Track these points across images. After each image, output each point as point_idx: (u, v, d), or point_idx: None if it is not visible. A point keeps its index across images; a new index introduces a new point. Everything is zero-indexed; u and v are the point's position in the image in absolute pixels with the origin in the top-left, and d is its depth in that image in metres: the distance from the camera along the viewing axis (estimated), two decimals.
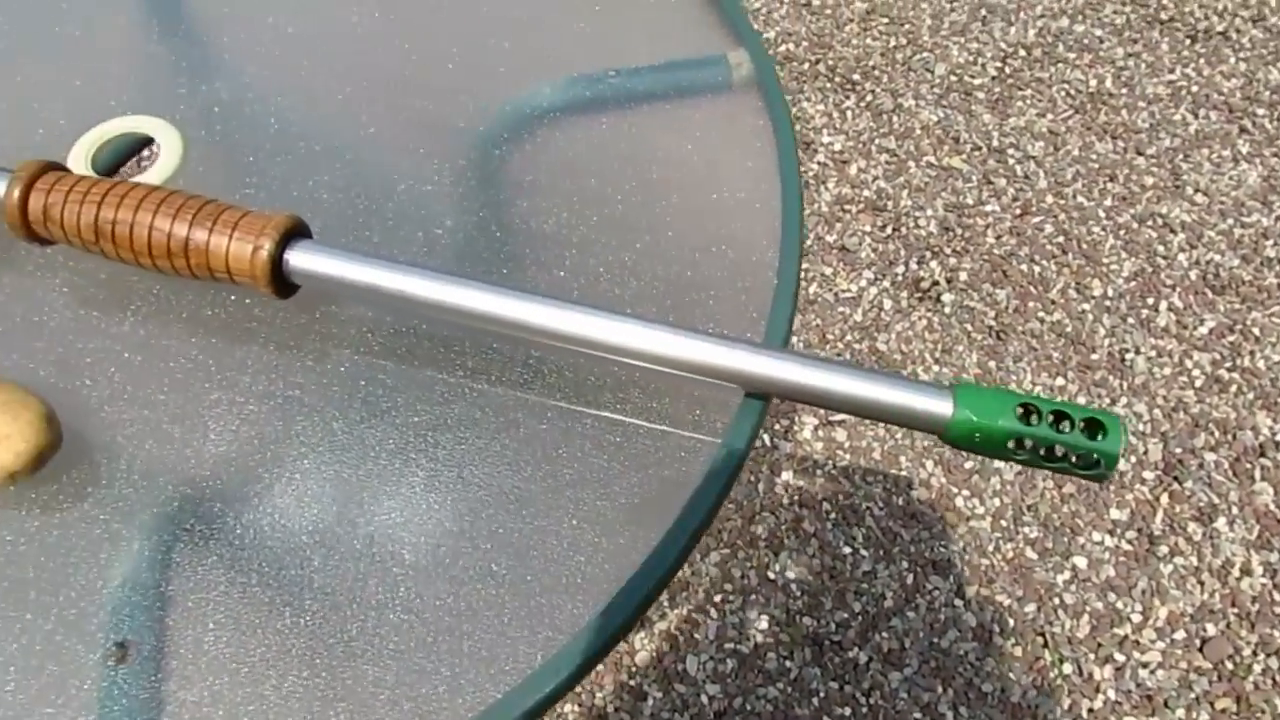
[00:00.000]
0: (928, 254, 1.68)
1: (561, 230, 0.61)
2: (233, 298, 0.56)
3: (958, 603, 1.33)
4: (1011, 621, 1.32)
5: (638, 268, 0.59)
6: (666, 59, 0.71)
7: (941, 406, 0.49)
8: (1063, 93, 1.91)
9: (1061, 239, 1.70)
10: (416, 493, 0.50)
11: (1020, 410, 0.48)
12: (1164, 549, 1.37)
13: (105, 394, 0.53)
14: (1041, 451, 0.48)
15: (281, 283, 0.52)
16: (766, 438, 1.45)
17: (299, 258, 0.52)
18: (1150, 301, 1.62)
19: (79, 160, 0.61)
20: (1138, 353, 1.56)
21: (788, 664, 1.28)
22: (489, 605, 0.47)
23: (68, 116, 0.64)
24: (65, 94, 0.66)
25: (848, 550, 1.38)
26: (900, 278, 1.65)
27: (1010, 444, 0.48)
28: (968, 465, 1.44)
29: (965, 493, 1.42)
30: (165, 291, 0.56)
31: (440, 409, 0.53)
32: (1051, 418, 0.47)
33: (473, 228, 0.61)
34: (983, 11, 2.07)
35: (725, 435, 0.53)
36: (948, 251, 1.68)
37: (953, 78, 1.94)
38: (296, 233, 0.52)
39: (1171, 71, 1.94)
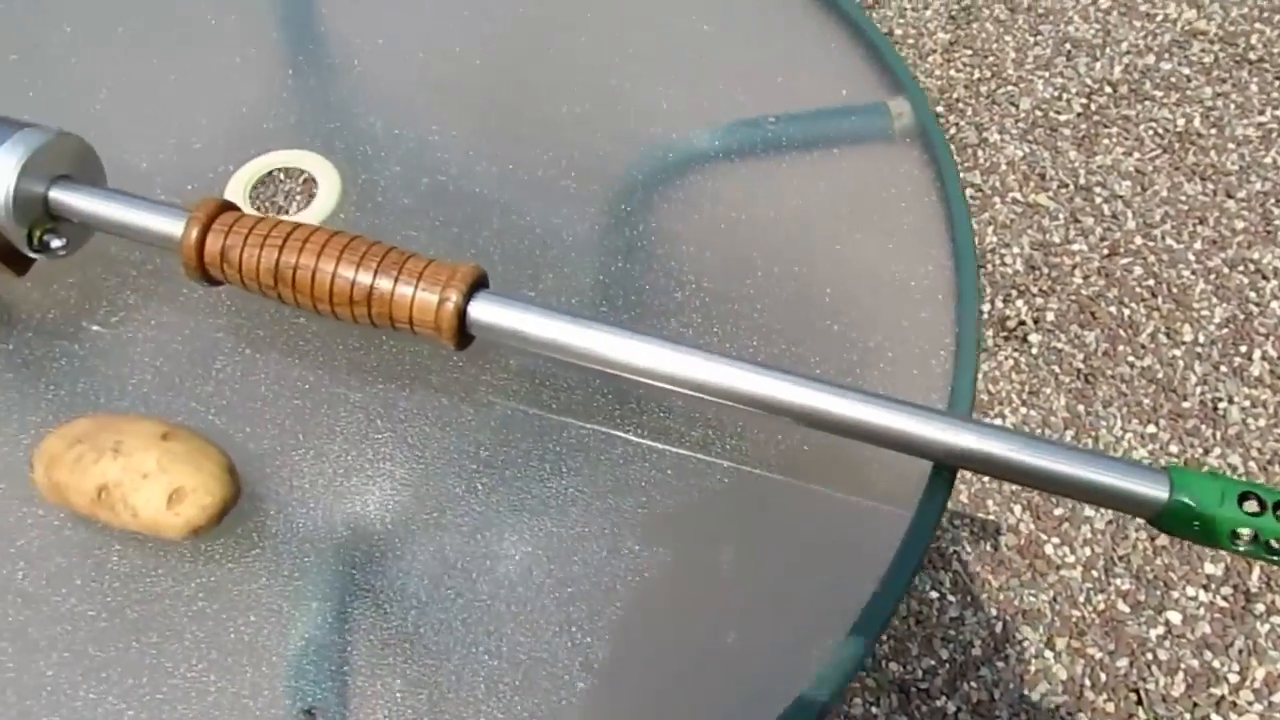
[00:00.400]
0: (1014, 293, 1.65)
1: (717, 280, 0.59)
2: (391, 343, 0.54)
3: (1048, 654, 1.30)
4: (1104, 676, 1.29)
5: (797, 323, 0.57)
6: (821, 105, 0.69)
7: (1156, 490, 0.46)
8: (1150, 131, 1.88)
9: (1151, 282, 1.67)
10: (602, 558, 0.48)
11: (1240, 497, 0.46)
12: (1260, 607, 1.34)
13: (276, 442, 0.52)
14: (1269, 543, 0.45)
15: (463, 334, 0.50)
16: None
17: (482, 310, 0.50)
18: (1243, 349, 1.58)
19: (237, 195, 0.60)
20: (1231, 402, 1.52)
21: (874, 710, 1.25)
22: (679, 682, 0.45)
23: (222, 148, 0.63)
24: (219, 125, 0.64)
25: (935, 595, 1.35)
26: (986, 316, 1.62)
27: (1229, 534, 0.45)
28: (1057, 512, 1.41)
29: (1055, 540, 1.39)
30: (330, 335, 0.55)
31: (621, 469, 0.51)
32: (1275, 506, 0.45)
33: (623, 274, 0.59)
34: (1067, 46, 2.04)
35: (913, 511, 0.50)
36: (1034, 291, 1.65)
37: (1038, 113, 1.91)
38: (480, 284, 0.51)
39: (1261, 113, 1.91)
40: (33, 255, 0.54)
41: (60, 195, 0.53)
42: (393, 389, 0.54)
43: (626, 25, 0.71)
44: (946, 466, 0.51)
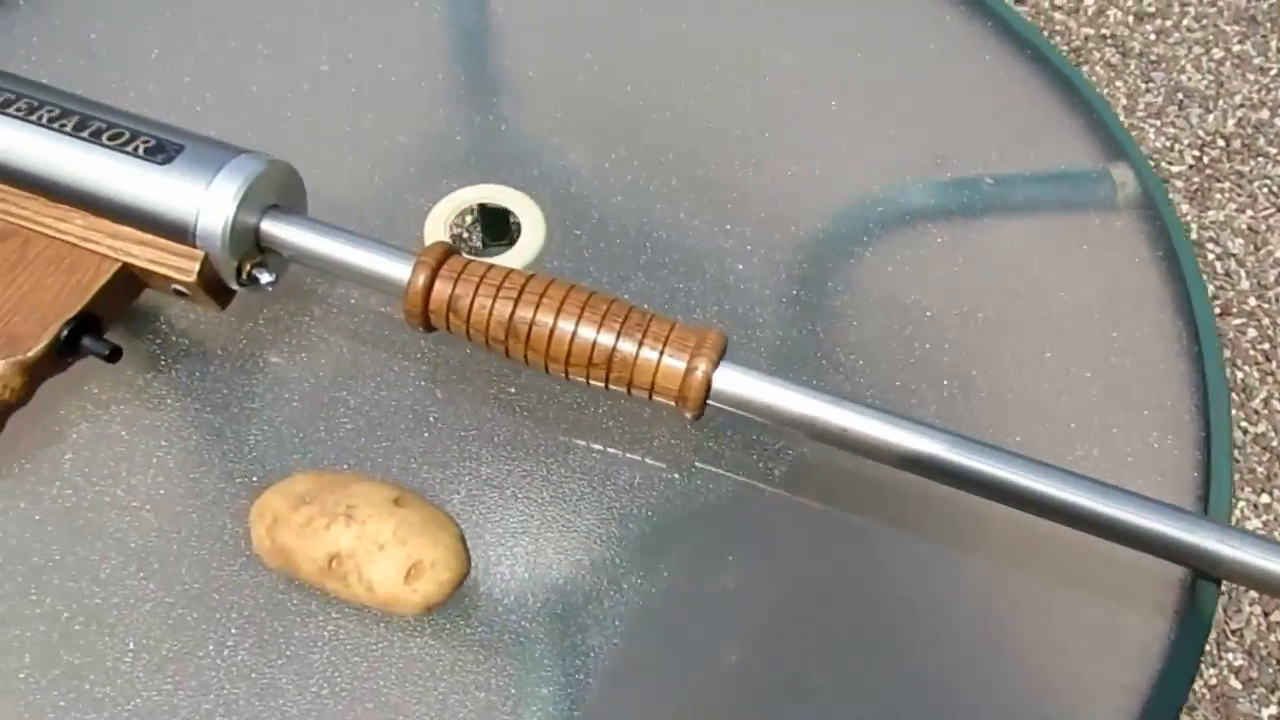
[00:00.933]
0: None
1: (921, 346, 0.56)
2: (608, 401, 0.51)
3: None
4: None
5: (1017, 401, 0.54)
6: (1034, 169, 0.65)
7: None
8: (1264, 189, 1.83)
9: (1266, 345, 1.61)
10: (836, 642, 0.45)
11: None
12: None
13: (496, 503, 0.49)
14: None
15: (705, 404, 0.47)
16: None
17: (727, 380, 0.47)
18: None
19: (438, 229, 0.57)
20: None
21: None
22: None
23: (416, 178, 0.61)
24: (414, 154, 0.61)
25: None
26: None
27: None
28: None
29: None
30: (544, 389, 0.52)
31: (841, 548, 0.47)
32: None
33: (817, 334, 0.56)
34: (1179, 95, 1.99)
35: (1177, 623, 0.46)
36: None
37: (1149, 163, 1.85)
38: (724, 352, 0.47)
39: None
40: (237, 288, 0.50)
41: (272, 227, 0.50)
42: (611, 448, 0.51)
43: (828, 75, 0.67)
44: (1211, 578, 0.47)
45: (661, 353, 0.47)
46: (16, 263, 0.50)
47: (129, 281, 0.50)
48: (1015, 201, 0.63)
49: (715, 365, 0.47)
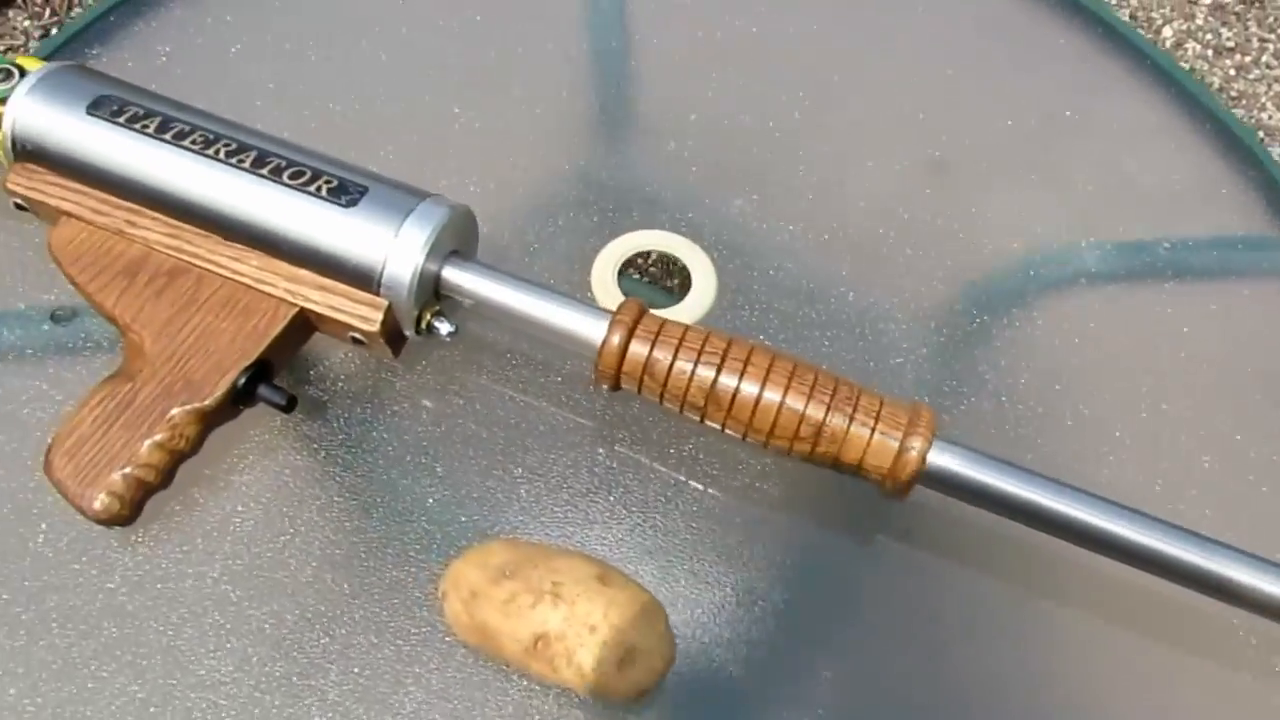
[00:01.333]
0: None
1: (1094, 415, 0.53)
2: (798, 469, 0.48)
3: None
4: None
5: (1197, 479, 0.51)
6: (1206, 234, 0.62)
7: None
8: None
9: None
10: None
11: None
12: None
13: (691, 583, 0.47)
14: None
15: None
16: None
17: (942, 459, 0.44)
18: None
19: (606, 275, 0.55)
20: None
21: None
22: None
23: (578, 223, 0.59)
24: (572, 200, 0.59)
25: None
26: None
27: None
28: None
29: None
30: (716, 448, 0.50)
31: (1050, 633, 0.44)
32: None
33: (986, 400, 0.53)
34: (1260, 134, 1.95)
35: None
36: None
37: None
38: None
39: None
40: (414, 336, 0.48)
41: (454, 275, 0.48)
42: (802, 518, 0.49)
43: (995, 132, 0.65)
44: None
45: (873, 429, 0.44)
46: (189, 303, 0.48)
47: (303, 326, 0.48)
48: (1193, 266, 0.61)
49: (929, 444, 0.44)
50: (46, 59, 0.52)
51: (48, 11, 1.20)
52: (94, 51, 0.62)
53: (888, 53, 0.68)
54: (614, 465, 0.49)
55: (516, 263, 0.55)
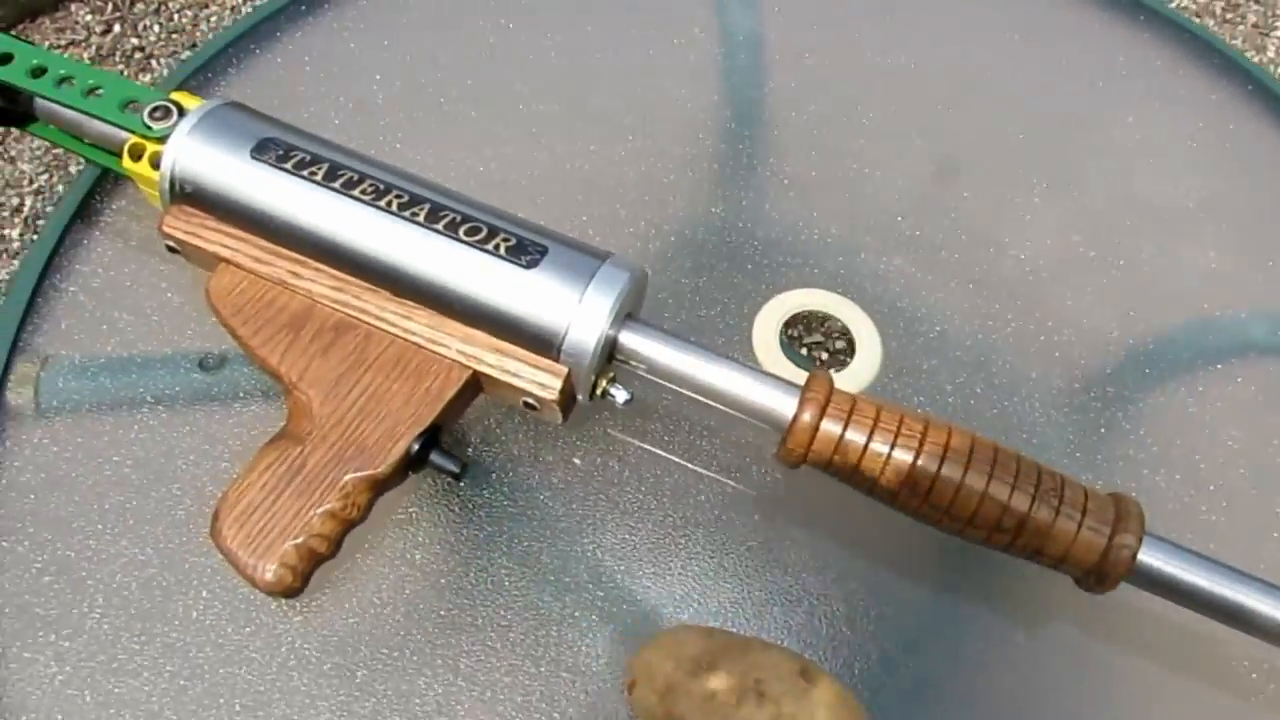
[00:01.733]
0: None
1: (1220, 484, 0.52)
2: (963, 550, 0.46)
3: None
4: None
5: None
6: None
7: None
8: None
9: None
10: None
11: None
12: None
13: (886, 680, 0.45)
14: None
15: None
16: None
17: (1150, 555, 0.43)
18: None
19: (769, 332, 0.53)
20: None
21: None
22: None
23: (731, 280, 0.57)
24: (722, 254, 0.58)
25: None
26: None
27: None
28: None
29: None
30: (895, 526, 0.47)
31: None
32: None
33: (1158, 476, 0.52)
34: None
35: None
36: None
37: None
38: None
39: None
40: (585, 401, 0.46)
41: (631, 340, 0.46)
42: (981, 604, 0.47)
43: (1161, 188, 0.62)
44: None
45: (1080, 523, 0.42)
46: (358, 362, 0.46)
47: (474, 389, 0.46)
48: None
49: (1140, 542, 0.42)
50: (177, 89, 0.50)
51: (110, 6, 1.19)
52: (221, 83, 0.60)
53: (1049, 94, 0.66)
54: (789, 542, 0.47)
55: (673, 318, 0.53)
